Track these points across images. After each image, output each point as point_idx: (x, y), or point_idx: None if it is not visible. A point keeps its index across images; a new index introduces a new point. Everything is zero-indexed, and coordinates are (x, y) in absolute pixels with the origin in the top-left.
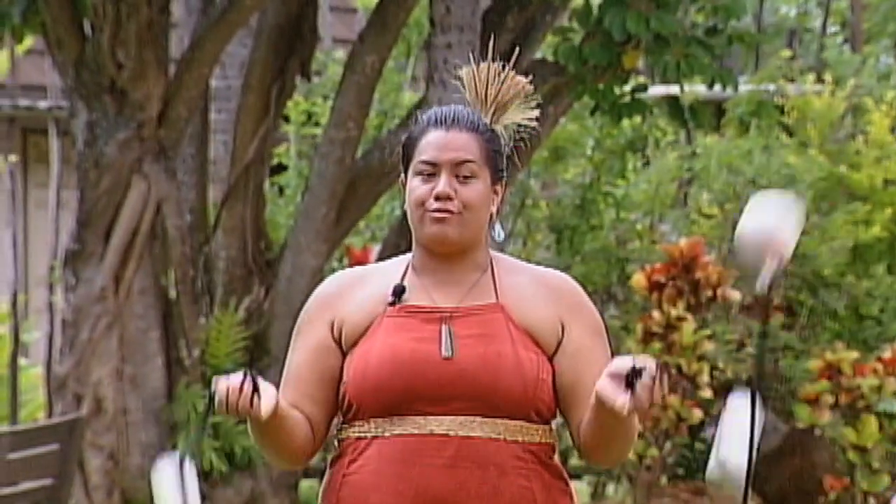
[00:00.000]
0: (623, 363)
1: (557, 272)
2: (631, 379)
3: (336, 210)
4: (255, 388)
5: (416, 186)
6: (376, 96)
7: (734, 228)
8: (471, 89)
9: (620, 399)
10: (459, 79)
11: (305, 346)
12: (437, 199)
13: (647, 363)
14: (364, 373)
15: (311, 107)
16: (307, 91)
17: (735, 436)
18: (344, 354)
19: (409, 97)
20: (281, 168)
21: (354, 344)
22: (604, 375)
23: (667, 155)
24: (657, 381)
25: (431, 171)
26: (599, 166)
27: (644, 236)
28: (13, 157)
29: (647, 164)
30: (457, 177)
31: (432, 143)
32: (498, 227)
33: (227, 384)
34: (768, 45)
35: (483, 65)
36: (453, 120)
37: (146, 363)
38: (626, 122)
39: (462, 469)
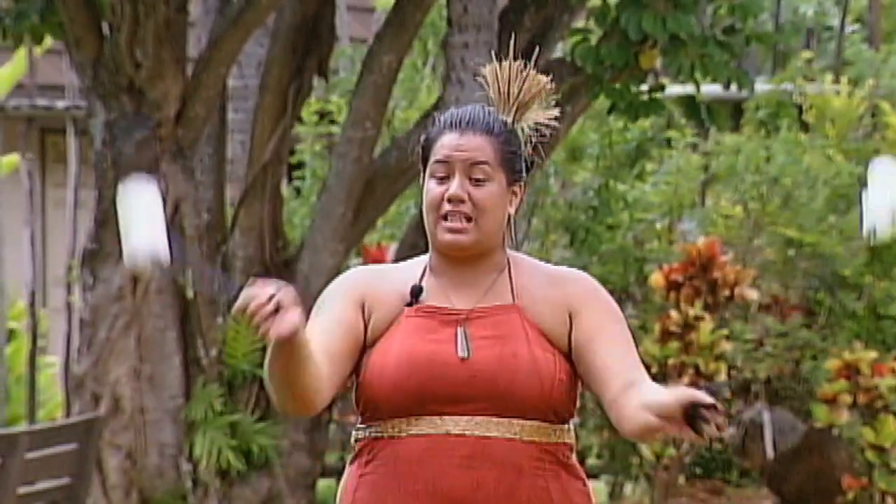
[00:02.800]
0: (688, 395)
1: (573, 270)
2: (693, 414)
3: (353, 209)
4: (280, 306)
5: (430, 189)
6: (398, 94)
7: (755, 228)
8: (493, 87)
9: (682, 431)
10: (483, 77)
11: (336, 310)
12: (450, 201)
13: (710, 402)
14: (381, 373)
15: (324, 106)
16: (326, 89)
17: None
18: (364, 342)
19: (425, 98)
20: (303, 166)
21: (375, 340)
22: (668, 395)
23: (685, 155)
24: (715, 423)
25: (445, 174)
26: (609, 168)
27: (662, 236)
28: (31, 156)
29: (661, 164)
30: (470, 179)
31: (446, 146)
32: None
33: (258, 290)
34: (786, 44)
35: (505, 63)
36: (468, 122)
37: (164, 362)
38: (637, 123)
39: (479, 469)
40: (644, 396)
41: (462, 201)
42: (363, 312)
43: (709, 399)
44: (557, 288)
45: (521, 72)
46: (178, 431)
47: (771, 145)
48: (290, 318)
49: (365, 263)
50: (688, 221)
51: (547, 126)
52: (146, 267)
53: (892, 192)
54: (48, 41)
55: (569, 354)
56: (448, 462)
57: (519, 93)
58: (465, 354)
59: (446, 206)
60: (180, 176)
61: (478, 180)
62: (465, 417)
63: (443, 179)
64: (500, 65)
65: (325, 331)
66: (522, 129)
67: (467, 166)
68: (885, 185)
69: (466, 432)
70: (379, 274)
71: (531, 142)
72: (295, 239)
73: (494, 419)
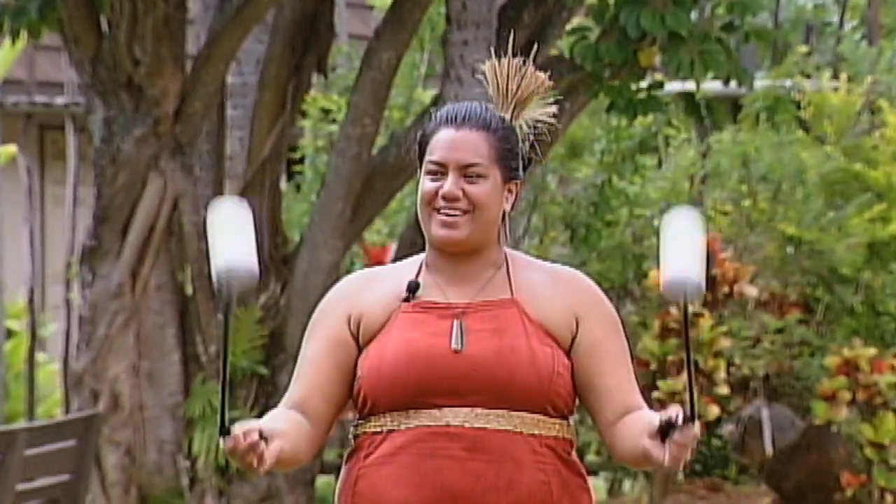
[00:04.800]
0: (657, 418)
1: (570, 269)
2: (665, 432)
3: (352, 206)
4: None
5: (425, 185)
6: (393, 91)
7: (749, 225)
8: (493, 84)
9: (659, 454)
10: (483, 74)
11: (321, 339)
12: (445, 199)
13: (677, 415)
14: (379, 367)
15: (328, 103)
16: (325, 85)
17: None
18: (359, 350)
19: (424, 93)
20: (304, 161)
21: (370, 340)
22: (646, 433)
23: (683, 152)
24: (685, 435)
25: (440, 171)
26: (612, 164)
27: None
28: (30, 158)
29: (660, 162)
30: (465, 176)
31: (441, 143)
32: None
33: (242, 435)
34: (785, 40)
35: (504, 60)
36: (464, 118)
37: (163, 359)
38: (638, 119)
39: (478, 462)
40: (646, 424)
41: (457, 199)
42: (349, 325)
43: (681, 416)
44: (561, 286)
45: (520, 68)
46: (178, 428)
47: (763, 142)
48: (272, 450)
49: (367, 263)
50: None
51: (545, 123)
52: (236, 283)
53: (694, 246)
54: (47, 37)
55: (569, 351)
56: (448, 454)
57: (517, 89)
58: (459, 347)
59: (440, 203)
60: (179, 172)
61: (473, 177)
62: (465, 409)
63: (438, 176)
64: (499, 62)
65: (315, 367)
66: (521, 127)
67: (462, 165)
68: (686, 238)
69: (466, 424)
70: (368, 277)
71: (529, 139)
72: (294, 236)
73: (494, 411)
